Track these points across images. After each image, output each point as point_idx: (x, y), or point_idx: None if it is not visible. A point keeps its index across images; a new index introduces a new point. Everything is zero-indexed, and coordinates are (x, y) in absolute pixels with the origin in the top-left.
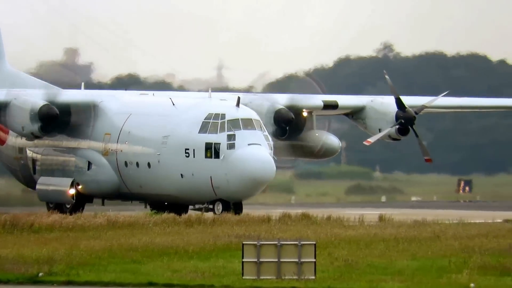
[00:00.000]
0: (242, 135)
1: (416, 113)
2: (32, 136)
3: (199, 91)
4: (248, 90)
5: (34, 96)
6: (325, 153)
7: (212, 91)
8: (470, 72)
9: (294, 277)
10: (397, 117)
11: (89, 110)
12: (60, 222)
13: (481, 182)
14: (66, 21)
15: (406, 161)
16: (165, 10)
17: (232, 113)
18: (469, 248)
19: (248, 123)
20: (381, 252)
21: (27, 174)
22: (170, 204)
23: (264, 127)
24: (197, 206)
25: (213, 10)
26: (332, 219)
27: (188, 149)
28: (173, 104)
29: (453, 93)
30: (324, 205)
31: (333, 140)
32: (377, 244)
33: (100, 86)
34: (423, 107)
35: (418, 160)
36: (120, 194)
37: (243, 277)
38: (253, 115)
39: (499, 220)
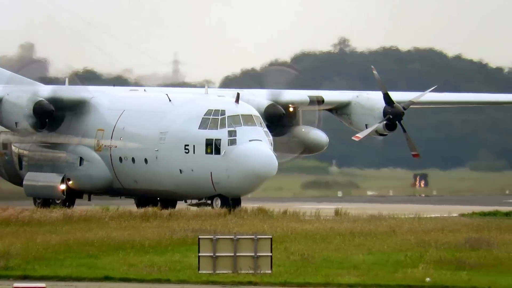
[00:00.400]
0: (243, 131)
1: (404, 108)
2: (26, 132)
3: (157, 86)
4: (204, 85)
5: (29, 92)
6: (312, 148)
7: (169, 86)
8: (426, 67)
9: (250, 271)
10: (385, 113)
11: (81, 106)
12: (16, 216)
13: (437, 177)
14: (22, 16)
15: (362, 156)
16: (121, 5)
17: (232, 109)
18: (425, 242)
19: (248, 119)
20: (337, 247)
21: (11, 170)
22: (162, 199)
23: (263, 123)
24: (194, 202)
25: (169, 4)
26: (289, 213)
27: (187, 145)
28: (170, 100)
29: (408, 88)
30: (281, 200)
31: (320, 136)
32: (333, 239)
33: (57, 81)
34: (411, 102)
35: (374, 155)
36: (113, 190)
37: (199, 272)
38: (253, 111)
39: (455, 215)
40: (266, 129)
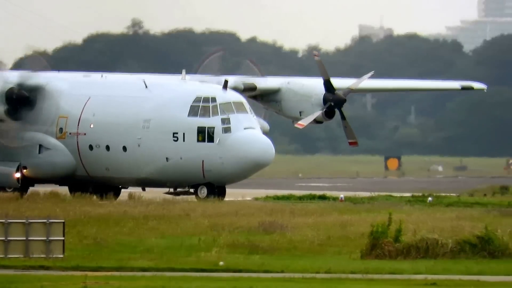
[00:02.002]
0: (236, 119)
1: (344, 95)
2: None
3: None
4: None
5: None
6: None
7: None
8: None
9: (42, 256)
10: (326, 100)
11: (37, 92)
12: None
13: None
14: None
15: None
16: None
17: (222, 96)
18: (219, 226)
19: (239, 107)
20: (131, 230)
21: None
22: (98, 186)
23: (252, 110)
24: (178, 190)
25: None
26: (83, 197)
27: (176, 133)
28: (146, 87)
29: (204, 70)
30: None
31: (262, 123)
32: (127, 222)
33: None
34: (349, 90)
35: None
36: (75, 178)
37: None
38: (242, 98)
39: (248, 198)
40: (255, 116)
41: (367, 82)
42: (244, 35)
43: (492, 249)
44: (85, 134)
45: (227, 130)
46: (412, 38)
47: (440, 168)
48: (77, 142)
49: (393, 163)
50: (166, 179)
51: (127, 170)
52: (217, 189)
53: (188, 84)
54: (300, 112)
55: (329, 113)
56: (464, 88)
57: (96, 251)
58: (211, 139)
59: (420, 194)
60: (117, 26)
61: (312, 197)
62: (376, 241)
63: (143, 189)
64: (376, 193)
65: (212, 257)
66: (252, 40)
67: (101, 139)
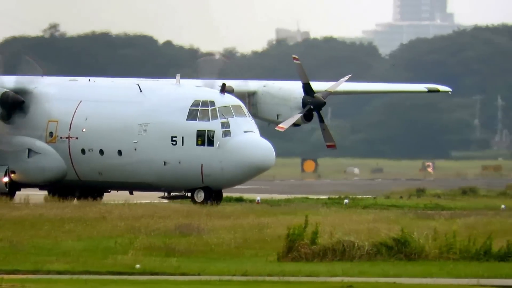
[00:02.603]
0: (236, 123)
1: (323, 98)
2: None
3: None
4: None
5: None
6: None
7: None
8: (138, 52)
9: None
10: (305, 103)
11: (25, 96)
12: None
13: None
14: None
15: None
16: None
17: (220, 100)
18: (135, 228)
19: (238, 110)
20: (47, 233)
21: None
22: (85, 190)
23: (249, 113)
24: (173, 194)
25: None
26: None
27: (175, 136)
28: (141, 91)
29: (120, 74)
30: None
31: None
32: (43, 225)
33: None
34: (328, 92)
35: None
36: (65, 182)
37: None
38: (240, 102)
39: (165, 201)
40: (253, 120)
41: (344, 85)
42: (160, 38)
43: (409, 251)
44: (77, 138)
45: (227, 133)
46: (328, 41)
47: (356, 171)
48: (69, 146)
49: (309, 165)
50: (163, 183)
51: (122, 174)
52: (213, 193)
53: (184, 88)
54: (277, 115)
55: (307, 116)
56: (430, 91)
57: (11, 254)
58: (210, 142)
59: (337, 196)
60: (34, 29)
61: (228, 200)
62: (293, 243)
63: (131, 193)
64: (293, 196)
65: (129, 260)
66: (169, 43)
67: (94, 143)
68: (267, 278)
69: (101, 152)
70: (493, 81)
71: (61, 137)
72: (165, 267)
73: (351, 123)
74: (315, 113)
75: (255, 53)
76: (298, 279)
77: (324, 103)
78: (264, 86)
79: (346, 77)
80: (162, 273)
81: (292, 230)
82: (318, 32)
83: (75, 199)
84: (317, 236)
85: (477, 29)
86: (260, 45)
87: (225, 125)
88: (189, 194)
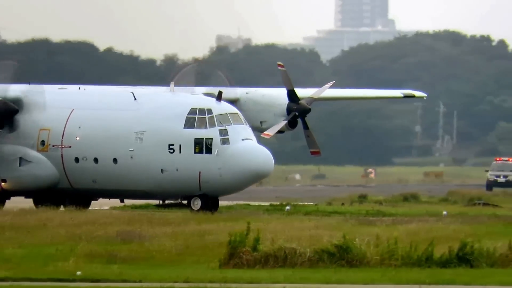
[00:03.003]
0: (234, 130)
1: (308, 105)
2: None
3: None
4: None
5: None
6: None
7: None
8: (78, 59)
9: None
10: (290, 109)
11: (17, 104)
12: None
13: None
14: None
15: None
16: None
17: (217, 107)
18: (76, 235)
19: (236, 118)
20: None
21: None
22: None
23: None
24: (168, 202)
25: None
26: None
27: (172, 144)
28: (135, 99)
29: (60, 81)
30: None
31: None
32: None
33: None
34: (312, 99)
35: None
36: (56, 190)
37: None
38: (237, 110)
39: (106, 208)
40: (250, 127)
41: (327, 91)
42: (101, 45)
43: (350, 258)
44: (70, 146)
45: (225, 141)
46: (270, 48)
47: (297, 177)
48: (62, 154)
49: None
50: (159, 191)
51: (118, 182)
52: (210, 201)
53: (180, 96)
54: (261, 122)
55: (291, 123)
56: (406, 96)
57: None
58: (209, 150)
59: (278, 203)
60: None
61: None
62: (234, 250)
63: (122, 201)
64: (235, 202)
65: (70, 267)
66: (109, 50)
67: (89, 151)
68: (209, 285)
69: (96, 160)
70: (434, 88)
71: (53, 146)
72: (107, 274)
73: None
74: (299, 120)
75: (197, 60)
76: (239, 285)
77: (309, 110)
78: (247, 93)
79: (330, 83)
80: (104, 280)
81: (234, 237)
82: (259, 38)
83: (62, 207)
84: (258, 242)
85: (418, 35)
86: (201, 52)
87: (223, 132)
88: (185, 202)
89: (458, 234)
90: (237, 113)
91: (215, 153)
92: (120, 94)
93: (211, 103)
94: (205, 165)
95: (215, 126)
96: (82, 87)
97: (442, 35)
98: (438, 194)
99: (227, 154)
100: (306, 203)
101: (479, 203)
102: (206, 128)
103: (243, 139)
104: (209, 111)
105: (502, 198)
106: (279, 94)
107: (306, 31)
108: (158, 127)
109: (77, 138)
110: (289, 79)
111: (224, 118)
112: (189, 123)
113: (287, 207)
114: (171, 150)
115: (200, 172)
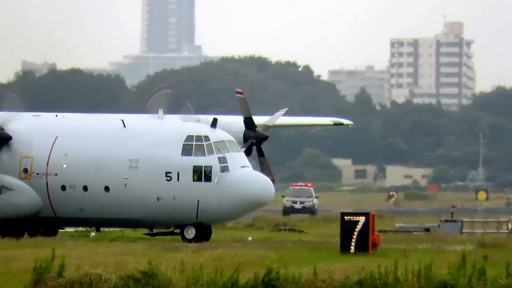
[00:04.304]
0: (232, 158)
1: (264, 132)
2: None
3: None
4: None
5: None
6: None
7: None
8: None
9: None
10: (247, 137)
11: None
12: None
13: None
14: None
15: None
16: None
17: (214, 135)
18: None
19: (232, 145)
20: None
21: None
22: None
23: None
24: (155, 232)
25: None
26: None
27: (170, 172)
28: (124, 126)
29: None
30: None
31: None
32: None
33: None
34: (266, 126)
35: None
36: (37, 219)
37: None
38: (231, 137)
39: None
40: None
41: (282, 119)
42: None
43: (156, 283)
44: (56, 174)
45: (224, 169)
46: (75, 73)
47: None
48: (47, 182)
49: None
50: (152, 220)
51: (109, 210)
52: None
53: (173, 123)
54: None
55: (247, 150)
56: (335, 124)
57: None
58: (208, 178)
59: (84, 229)
60: None
61: None
62: (40, 276)
63: (98, 230)
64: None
65: None
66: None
67: (77, 179)
68: None
69: (85, 188)
70: (239, 113)
71: (37, 173)
72: None
73: None
74: (254, 148)
75: (1, 85)
76: None
77: (267, 137)
78: (198, 120)
79: (283, 111)
80: None
81: (39, 263)
82: (65, 63)
83: (26, 234)
84: (63, 269)
85: (224, 60)
86: (6, 76)
87: (222, 160)
88: (177, 231)
89: (263, 260)
90: (233, 140)
91: (215, 181)
92: (107, 121)
93: (207, 130)
94: (204, 193)
95: (213, 153)
96: (60, 114)
97: (247, 60)
98: (243, 220)
99: (227, 182)
100: (111, 230)
101: (285, 229)
102: (204, 155)
103: (242, 167)
104: (206, 138)
105: (308, 224)
106: (233, 121)
107: (112, 56)
108: (153, 155)
109: (64, 166)
110: (247, 106)
111: (221, 145)
112: (186, 150)
113: (92, 234)
114: (168, 178)
115: (198, 201)
